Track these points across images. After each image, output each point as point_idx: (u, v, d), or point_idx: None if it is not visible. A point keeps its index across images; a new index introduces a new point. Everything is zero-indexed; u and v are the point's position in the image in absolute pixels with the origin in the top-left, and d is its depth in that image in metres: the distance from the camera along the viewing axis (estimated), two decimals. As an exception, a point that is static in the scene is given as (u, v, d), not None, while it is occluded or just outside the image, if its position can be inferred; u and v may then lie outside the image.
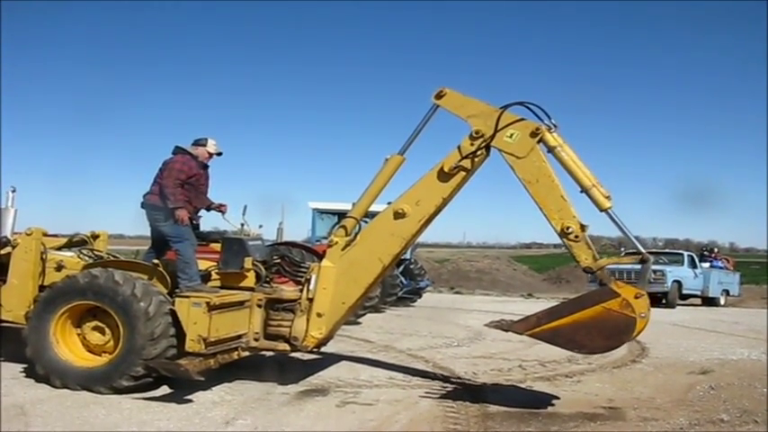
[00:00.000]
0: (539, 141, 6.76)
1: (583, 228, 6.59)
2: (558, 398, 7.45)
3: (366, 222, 7.70)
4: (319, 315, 7.22)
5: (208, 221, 8.19)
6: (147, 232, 7.93)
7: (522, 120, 6.86)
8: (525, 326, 6.71)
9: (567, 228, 6.57)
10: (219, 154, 7.88)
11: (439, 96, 7.31)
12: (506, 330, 6.96)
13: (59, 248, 8.21)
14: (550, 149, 6.76)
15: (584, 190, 6.63)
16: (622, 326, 6.35)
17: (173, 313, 6.80)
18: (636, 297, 6.37)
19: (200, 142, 7.75)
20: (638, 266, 6.89)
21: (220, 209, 8.04)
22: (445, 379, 8.33)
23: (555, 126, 6.82)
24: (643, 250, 6.72)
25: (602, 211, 6.61)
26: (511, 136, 6.84)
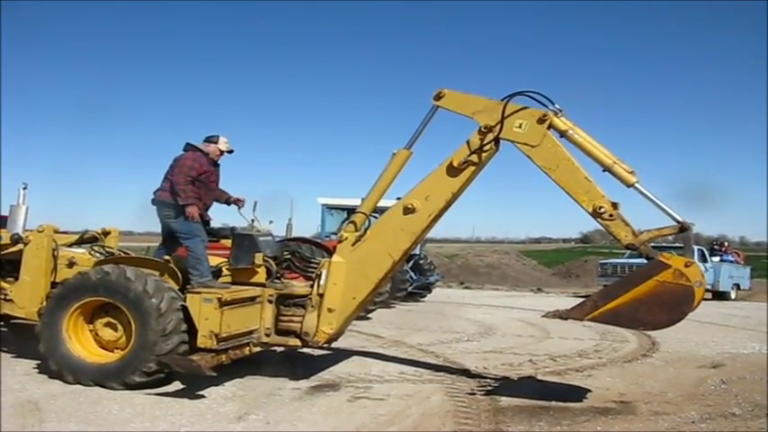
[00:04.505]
0: (549, 127, 6.71)
1: (615, 205, 6.46)
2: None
3: (375, 218, 7.70)
4: (330, 310, 7.24)
5: (219, 218, 8.22)
6: (156, 229, 7.97)
7: (526, 108, 6.82)
8: (583, 311, 6.53)
9: (599, 207, 6.44)
10: (231, 151, 7.89)
11: (438, 98, 7.26)
12: (565, 318, 6.71)
13: (71, 245, 8.25)
14: (562, 134, 6.70)
15: (606, 168, 6.52)
16: (681, 296, 6.17)
17: (184, 309, 6.82)
18: (686, 266, 6.20)
19: (211, 139, 7.76)
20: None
21: (237, 203, 8.08)
22: (456, 374, 8.33)
23: (560, 110, 6.75)
24: (680, 218, 6.44)
25: (628, 186, 6.46)
26: (520, 126, 6.78)
